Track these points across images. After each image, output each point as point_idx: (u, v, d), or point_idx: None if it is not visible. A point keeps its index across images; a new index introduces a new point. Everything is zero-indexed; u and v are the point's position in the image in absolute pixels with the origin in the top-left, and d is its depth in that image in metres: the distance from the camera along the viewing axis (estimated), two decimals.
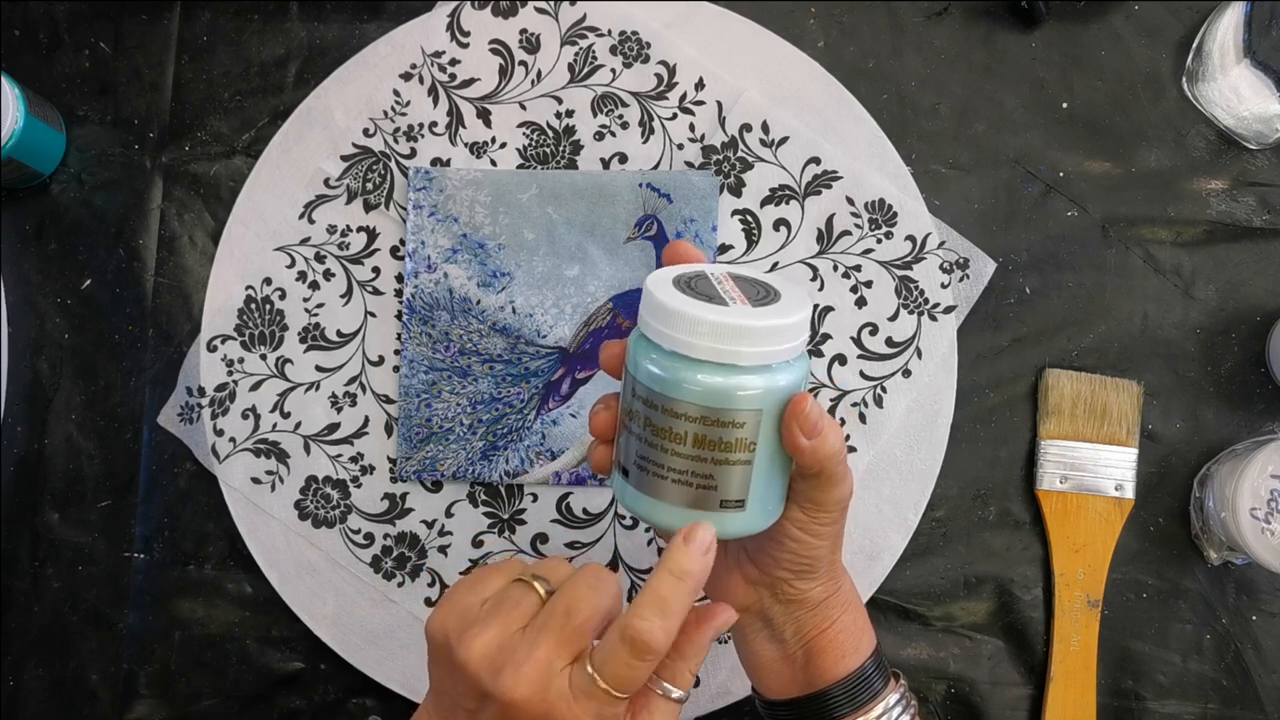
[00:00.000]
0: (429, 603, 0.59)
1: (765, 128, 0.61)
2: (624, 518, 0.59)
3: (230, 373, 0.60)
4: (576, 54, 0.62)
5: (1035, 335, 0.61)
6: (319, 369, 0.61)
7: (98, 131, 0.64)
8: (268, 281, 0.61)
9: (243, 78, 0.63)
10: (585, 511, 0.59)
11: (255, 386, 0.60)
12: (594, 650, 0.38)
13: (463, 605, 0.40)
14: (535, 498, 0.59)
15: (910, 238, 0.60)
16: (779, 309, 0.39)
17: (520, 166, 0.61)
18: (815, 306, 0.59)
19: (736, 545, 0.46)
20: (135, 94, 0.64)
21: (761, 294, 0.40)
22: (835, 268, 0.60)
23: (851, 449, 0.59)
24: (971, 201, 0.61)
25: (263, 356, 0.61)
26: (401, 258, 0.61)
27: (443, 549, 0.59)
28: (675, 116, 0.61)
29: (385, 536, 0.59)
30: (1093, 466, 0.59)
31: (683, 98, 0.61)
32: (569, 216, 0.60)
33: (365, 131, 0.61)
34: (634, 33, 0.61)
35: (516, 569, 0.41)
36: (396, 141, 0.61)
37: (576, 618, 0.38)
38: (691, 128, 0.61)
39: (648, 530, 0.59)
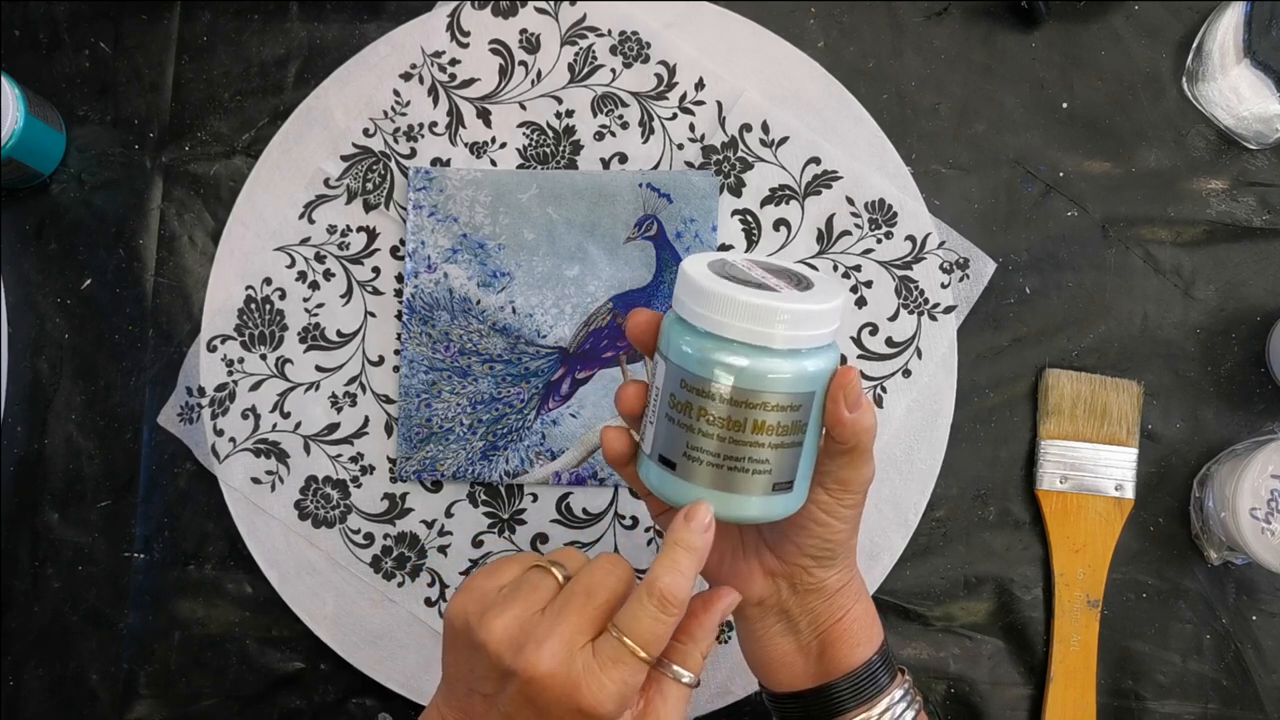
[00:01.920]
0: (429, 603, 0.59)
1: (765, 128, 0.61)
2: (624, 517, 0.59)
3: (230, 373, 0.60)
4: (576, 54, 0.62)
5: (1035, 335, 0.61)
6: (319, 369, 0.61)
7: (98, 131, 0.64)
8: (268, 281, 0.61)
9: (243, 78, 0.63)
10: (585, 511, 0.59)
11: (255, 386, 0.60)
12: (617, 616, 0.39)
13: (482, 591, 0.40)
14: (535, 498, 0.59)
15: (910, 238, 0.60)
16: (814, 295, 0.39)
17: (520, 166, 0.61)
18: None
19: (755, 537, 0.46)
20: (135, 94, 0.64)
21: (796, 281, 0.40)
22: (835, 268, 0.60)
23: None
24: (971, 201, 0.61)
25: (263, 356, 0.61)
26: (401, 258, 0.61)
27: (443, 549, 0.59)
28: (675, 116, 0.61)
29: (385, 536, 0.59)
30: (1093, 466, 0.59)
31: (683, 98, 0.61)
32: (569, 216, 0.60)
33: (365, 131, 0.61)
34: (634, 33, 0.62)
35: (532, 558, 0.42)
36: (396, 141, 0.61)
37: (597, 599, 0.39)
38: (691, 128, 0.61)
39: (648, 530, 0.59)
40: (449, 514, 0.59)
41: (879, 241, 0.60)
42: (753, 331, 0.37)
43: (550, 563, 0.41)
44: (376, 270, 0.61)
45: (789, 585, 0.45)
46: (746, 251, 0.60)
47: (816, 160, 0.60)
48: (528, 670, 0.37)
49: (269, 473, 0.60)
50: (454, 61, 0.62)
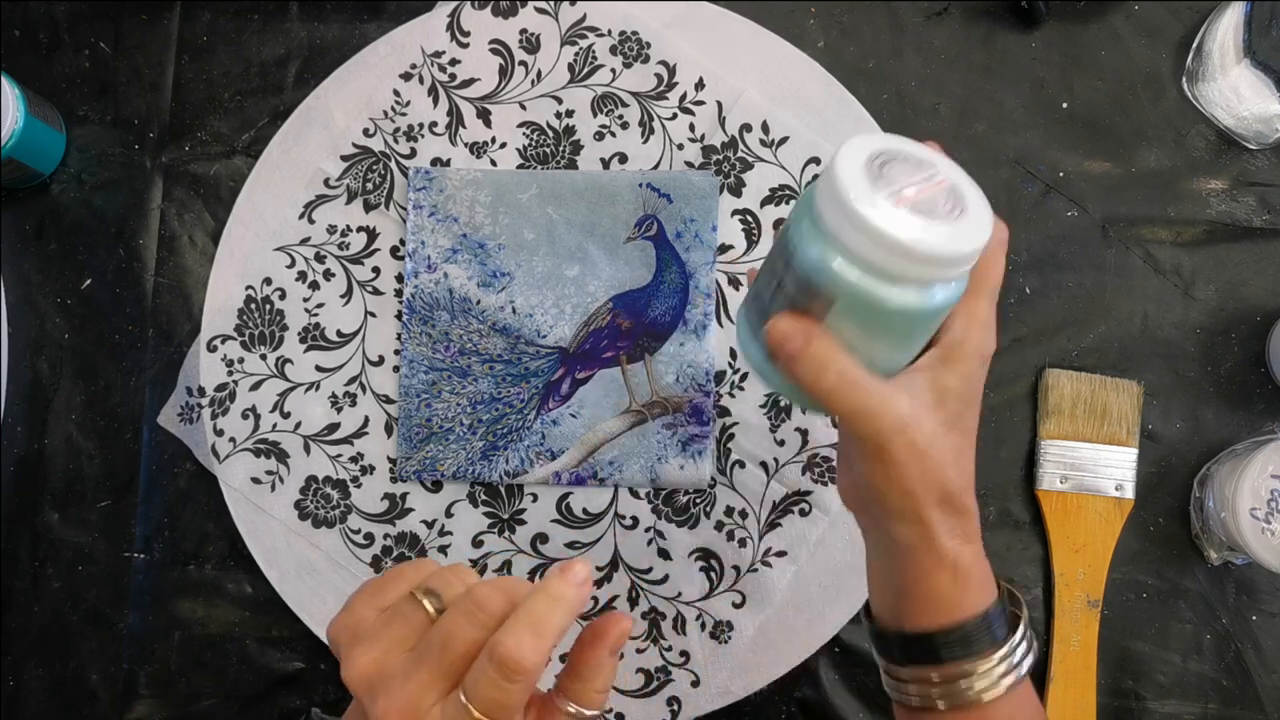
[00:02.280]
0: None
1: (765, 128, 0.61)
2: (624, 517, 0.59)
3: (230, 373, 0.60)
4: (576, 54, 0.62)
5: (1035, 335, 0.61)
6: (319, 369, 0.60)
7: (98, 131, 0.64)
8: (268, 281, 0.61)
9: (243, 78, 0.63)
10: (585, 511, 0.59)
11: (255, 386, 0.60)
12: (467, 675, 0.35)
13: (359, 615, 0.38)
14: (535, 498, 0.59)
15: None
16: (951, 234, 0.36)
17: (520, 166, 0.61)
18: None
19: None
20: (135, 94, 0.64)
21: (949, 206, 0.37)
22: None
23: None
24: None
25: (263, 356, 0.61)
26: (401, 258, 0.61)
27: (443, 549, 0.59)
28: (675, 116, 0.61)
29: (385, 536, 0.59)
30: (1093, 466, 0.59)
31: (683, 98, 0.61)
32: (569, 216, 0.60)
33: (365, 131, 0.61)
34: (634, 33, 0.61)
35: (419, 576, 0.39)
36: (396, 141, 0.61)
37: (452, 651, 0.35)
38: (691, 128, 0.61)
39: (648, 530, 0.59)
40: (449, 514, 0.59)
41: None
42: (865, 260, 0.36)
43: (426, 592, 0.37)
44: (376, 270, 0.61)
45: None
46: (745, 254, 0.60)
47: (816, 160, 0.60)
48: (375, 715, 0.35)
49: (269, 473, 0.60)
50: (454, 61, 0.62)
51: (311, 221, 0.61)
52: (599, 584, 0.59)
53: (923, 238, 0.35)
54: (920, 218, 0.36)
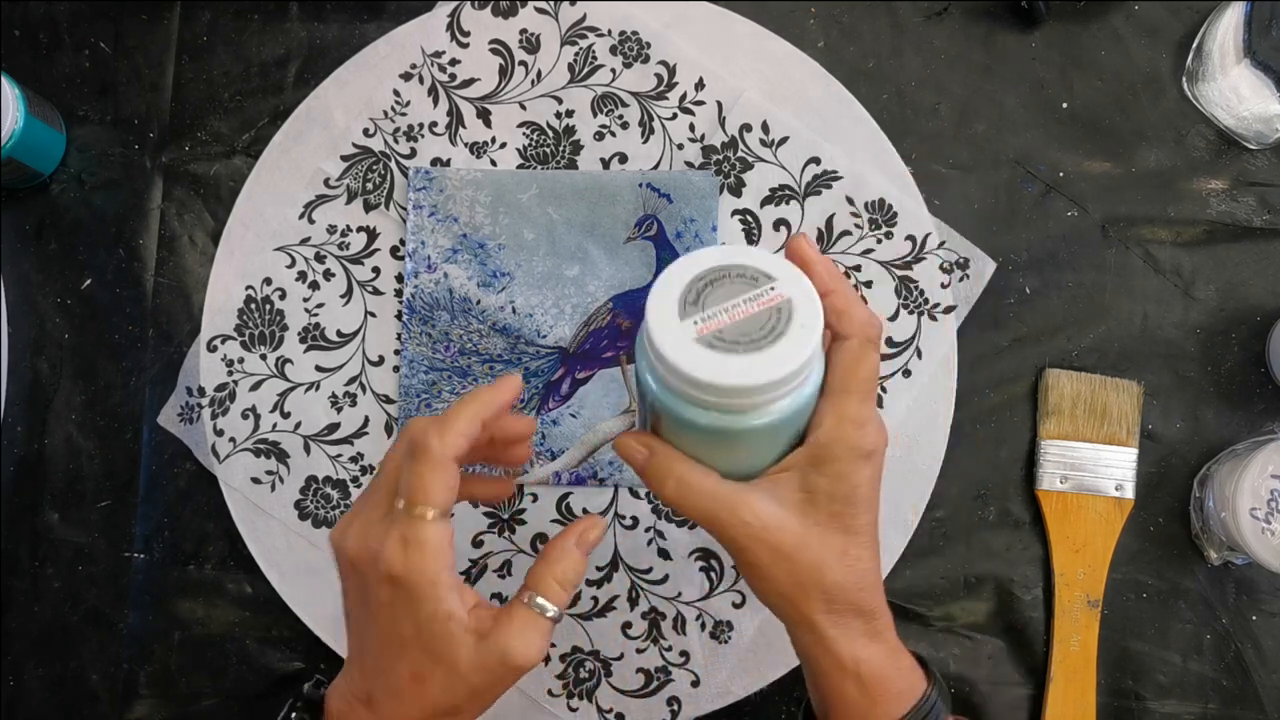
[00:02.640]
0: None
1: (765, 128, 0.61)
2: (624, 517, 0.59)
3: (230, 373, 0.60)
4: (576, 54, 0.62)
5: (1035, 335, 0.61)
6: (319, 369, 0.61)
7: (98, 131, 0.64)
8: (268, 281, 0.61)
9: (243, 78, 0.63)
10: (585, 511, 0.59)
11: (255, 386, 0.60)
12: None
13: (355, 506, 0.43)
14: (535, 498, 0.60)
15: (910, 238, 0.60)
16: (765, 359, 0.35)
17: (520, 166, 0.61)
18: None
19: None
20: (135, 94, 0.64)
21: (766, 330, 0.36)
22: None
23: None
24: (971, 201, 0.61)
25: (263, 356, 0.61)
26: (401, 258, 0.61)
27: None
28: (675, 116, 0.61)
29: None
30: (1093, 466, 0.59)
31: (683, 98, 0.61)
32: (569, 216, 0.60)
33: (365, 131, 0.61)
34: (634, 33, 0.62)
35: None
36: (396, 141, 0.61)
37: (389, 469, 0.41)
38: (691, 128, 0.61)
39: (648, 530, 0.59)
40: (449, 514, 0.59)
41: (879, 241, 0.60)
42: (721, 402, 0.36)
43: None
44: (376, 270, 0.61)
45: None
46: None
47: (816, 160, 0.60)
48: (343, 554, 0.40)
49: (269, 473, 0.60)
50: (454, 61, 0.62)
51: (311, 221, 0.61)
52: (599, 584, 0.59)
53: (713, 372, 0.35)
54: (718, 351, 0.35)
